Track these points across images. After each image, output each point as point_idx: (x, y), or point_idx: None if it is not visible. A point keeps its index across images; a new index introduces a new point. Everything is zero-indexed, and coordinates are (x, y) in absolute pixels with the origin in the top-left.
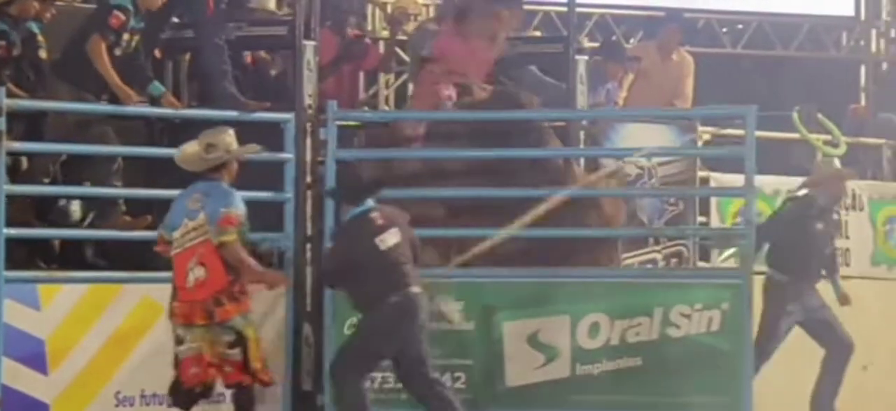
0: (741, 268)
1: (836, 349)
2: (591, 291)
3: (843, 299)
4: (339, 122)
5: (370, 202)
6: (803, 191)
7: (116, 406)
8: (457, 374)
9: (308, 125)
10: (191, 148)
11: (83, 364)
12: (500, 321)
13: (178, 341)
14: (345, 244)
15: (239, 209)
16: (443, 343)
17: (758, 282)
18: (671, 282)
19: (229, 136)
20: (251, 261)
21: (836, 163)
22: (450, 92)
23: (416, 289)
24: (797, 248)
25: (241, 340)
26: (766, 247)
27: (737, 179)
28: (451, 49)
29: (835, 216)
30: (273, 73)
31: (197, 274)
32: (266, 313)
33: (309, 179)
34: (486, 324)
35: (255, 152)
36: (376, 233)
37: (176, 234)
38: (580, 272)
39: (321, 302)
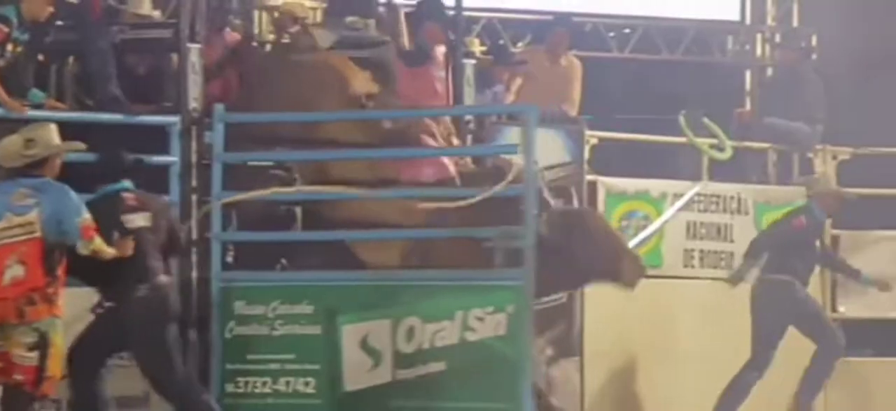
0: (523, 269)
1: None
2: (406, 293)
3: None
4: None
5: (126, 183)
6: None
7: None
8: (307, 379)
9: (194, 127)
10: (10, 144)
11: None
12: (341, 324)
13: None
14: None
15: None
16: (295, 347)
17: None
18: (472, 285)
19: (50, 132)
20: (109, 249)
21: (832, 181)
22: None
23: (164, 279)
24: (801, 256)
25: (42, 344)
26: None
27: (627, 183)
28: (406, 87)
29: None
30: (140, 71)
31: (15, 272)
32: None
33: (194, 182)
34: (330, 328)
35: (78, 150)
36: (125, 211)
37: None
38: (396, 274)
39: (208, 305)
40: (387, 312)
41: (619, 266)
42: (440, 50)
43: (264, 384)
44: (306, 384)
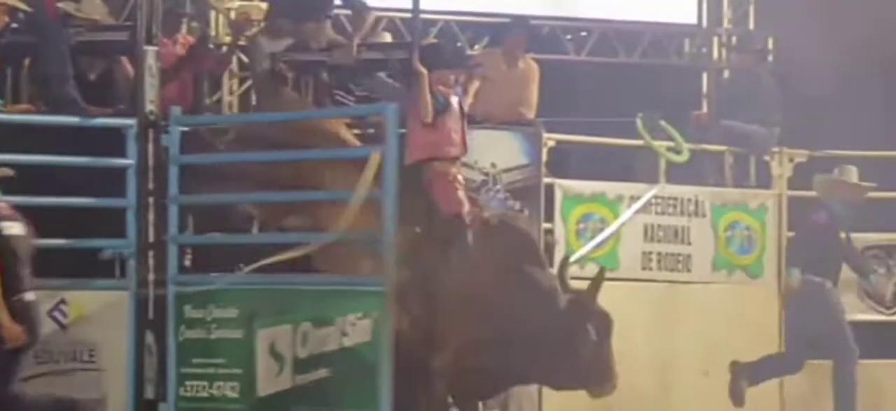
0: (384, 275)
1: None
2: (300, 299)
3: None
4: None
5: None
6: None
7: None
8: (232, 384)
9: (150, 130)
10: None
11: None
12: (256, 329)
13: None
14: None
15: None
16: (225, 351)
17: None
18: (346, 290)
19: None
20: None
21: (854, 176)
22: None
23: (32, 297)
24: (830, 253)
25: None
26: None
27: (584, 186)
28: (421, 143)
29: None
30: (91, 76)
31: None
32: (108, 321)
33: (151, 185)
34: (249, 332)
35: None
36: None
37: None
38: (284, 278)
39: (164, 309)
40: (289, 317)
41: (603, 386)
42: (454, 99)
43: (204, 388)
44: (232, 388)
